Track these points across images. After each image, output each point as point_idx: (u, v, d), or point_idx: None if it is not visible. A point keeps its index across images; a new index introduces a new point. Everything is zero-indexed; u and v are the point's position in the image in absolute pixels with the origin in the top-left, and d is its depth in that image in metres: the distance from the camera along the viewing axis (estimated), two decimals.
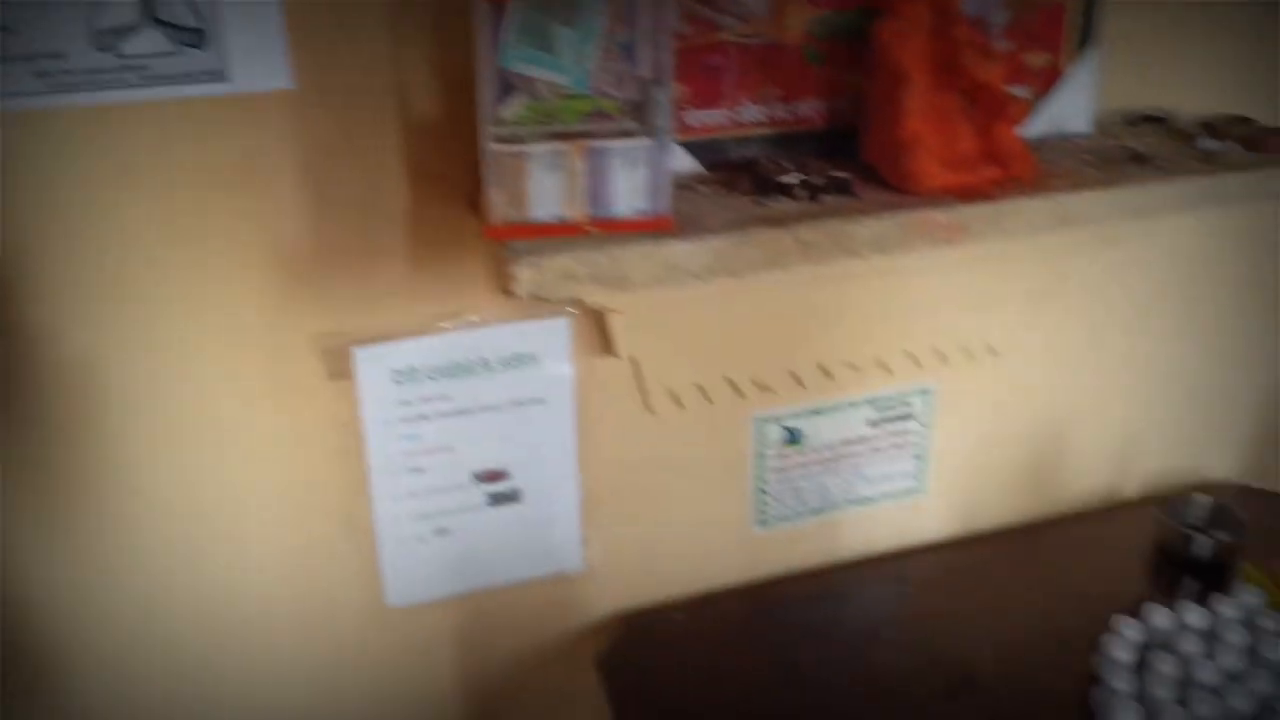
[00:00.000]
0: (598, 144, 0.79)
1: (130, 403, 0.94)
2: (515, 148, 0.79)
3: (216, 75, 0.86)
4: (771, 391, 1.16)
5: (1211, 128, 0.97)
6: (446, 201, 0.94)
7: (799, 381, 1.17)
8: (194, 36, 0.85)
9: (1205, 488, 1.36)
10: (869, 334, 1.16)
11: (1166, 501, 1.30)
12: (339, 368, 1.00)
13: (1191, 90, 1.14)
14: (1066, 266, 1.17)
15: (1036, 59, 1.02)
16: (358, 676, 1.14)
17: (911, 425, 1.26)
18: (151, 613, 1.03)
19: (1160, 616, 1.11)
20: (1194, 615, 1.11)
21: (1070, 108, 1.05)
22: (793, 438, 1.22)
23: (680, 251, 0.81)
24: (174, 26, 0.84)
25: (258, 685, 1.11)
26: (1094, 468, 1.38)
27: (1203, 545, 1.25)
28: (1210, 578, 1.22)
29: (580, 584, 1.19)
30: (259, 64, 0.86)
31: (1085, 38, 1.03)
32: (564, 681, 1.22)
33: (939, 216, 0.85)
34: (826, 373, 1.17)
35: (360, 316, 0.98)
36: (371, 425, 1.04)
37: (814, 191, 0.88)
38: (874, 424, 1.25)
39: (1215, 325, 1.34)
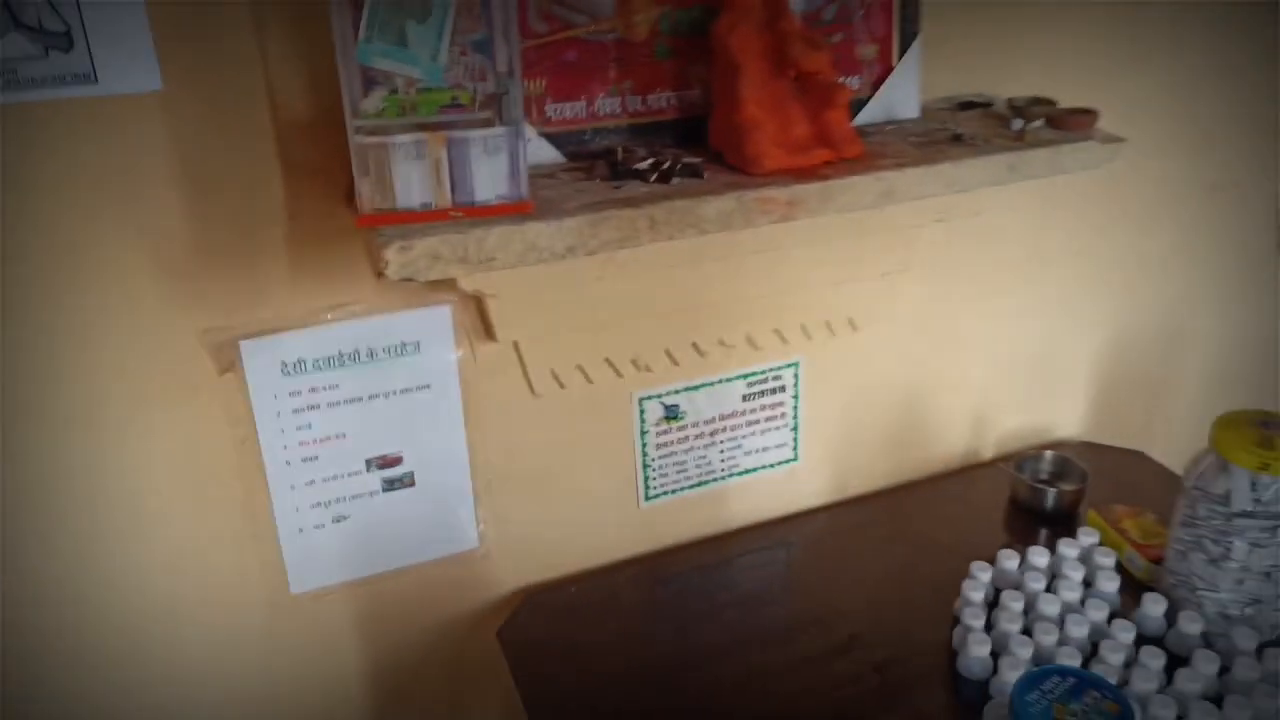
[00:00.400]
0: (457, 134, 0.84)
1: (25, 399, 0.95)
2: (378, 139, 0.83)
3: (85, 78, 0.88)
4: (649, 370, 1.22)
5: (1020, 110, 1.06)
6: (324, 196, 0.98)
7: (674, 360, 1.22)
8: (61, 40, 0.87)
9: (1053, 445, 1.45)
10: (737, 313, 1.22)
11: (1017, 458, 1.39)
12: (227, 361, 1.02)
13: (1011, 76, 1.23)
14: (914, 247, 1.25)
15: (866, 51, 1.09)
16: (266, 663, 1.16)
17: (783, 398, 1.33)
18: (62, 601, 1.03)
19: (1009, 560, 1.19)
20: (1038, 556, 1.20)
21: (899, 95, 1.13)
22: (672, 414, 1.27)
23: (541, 232, 0.86)
24: (39, 30, 0.86)
25: (169, 674, 1.12)
26: (953, 432, 1.46)
27: (1049, 496, 1.34)
28: (1058, 525, 1.31)
29: (478, 562, 1.23)
30: (127, 66, 0.89)
31: (909, 31, 1.11)
32: (468, 656, 1.25)
33: (775, 194, 0.92)
34: (700, 351, 1.23)
35: (245, 311, 1.00)
36: (263, 416, 1.06)
37: (664, 175, 0.94)
38: (748, 398, 1.31)
39: (1054, 295, 1.44)
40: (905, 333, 1.35)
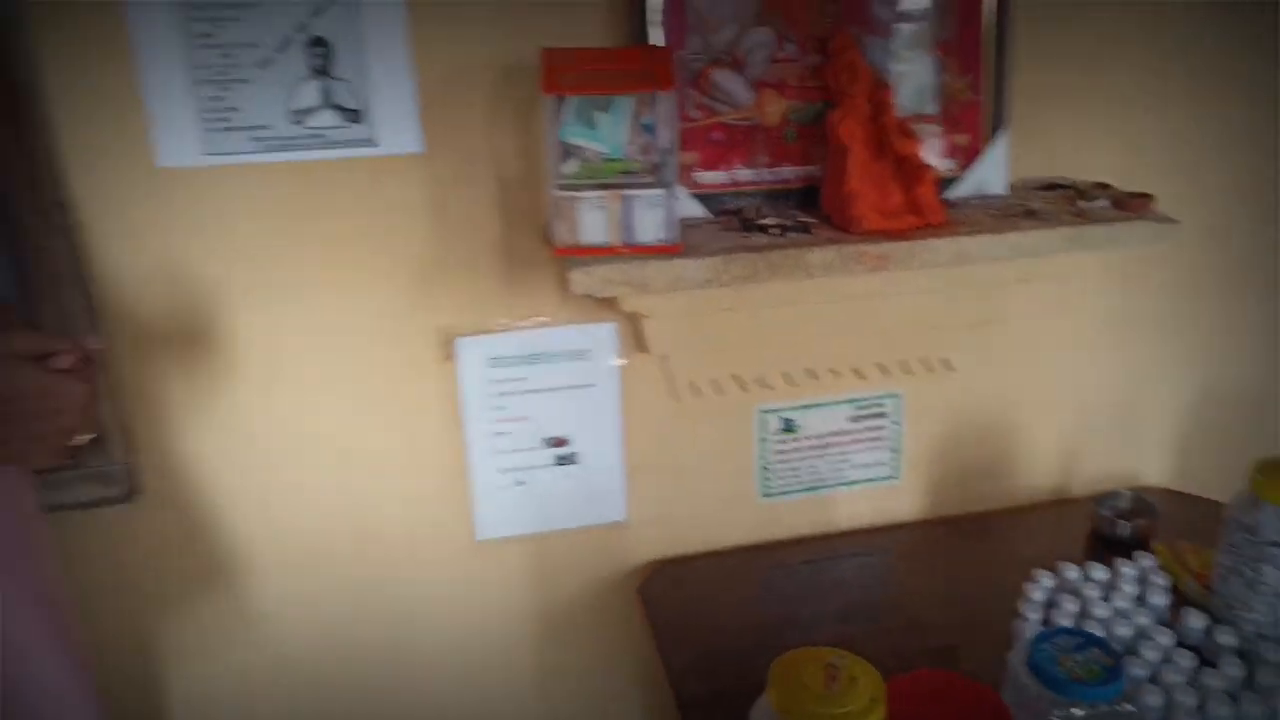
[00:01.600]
0: (628, 193, 1.10)
1: (299, 372, 1.26)
2: (571, 194, 1.10)
3: (370, 142, 1.19)
4: (770, 388, 1.43)
5: (1084, 192, 1.23)
6: (528, 233, 1.26)
7: (792, 382, 1.43)
8: (355, 115, 1.18)
9: (1136, 489, 1.56)
10: (846, 347, 1.42)
11: (1099, 495, 1.51)
12: (448, 353, 1.31)
13: (1097, 160, 1.39)
14: (1005, 303, 1.42)
15: (960, 139, 1.29)
16: (453, 592, 1.43)
17: (885, 423, 1.51)
18: (315, 529, 1.33)
19: (1069, 570, 1.33)
20: (1097, 570, 1.33)
21: (989, 175, 1.31)
22: (788, 427, 1.48)
23: (685, 266, 1.10)
24: (342, 109, 1.18)
25: (385, 593, 1.39)
26: (1041, 468, 1.60)
27: (1122, 527, 1.46)
28: (1128, 555, 1.42)
29: (624, 532, 1.46)
30: (400, 134, 1.19)
31: (998, 122, 1.30)
32: (612, 606, 1.48)
33: (868, 249, 1.13)
34: (814, 376, 1.44)
35: (465, 316, 1.29)
36: (469, 397, 1.34)
37: (783, 230, 1.16)
38: (854, 420, 1.50)
39: (1143, 351, 1.56)
40: (997, 376, 1.51)
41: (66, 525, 1.22)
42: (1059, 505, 1.60)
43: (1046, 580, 1.31)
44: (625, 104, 1.08)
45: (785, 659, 0.84)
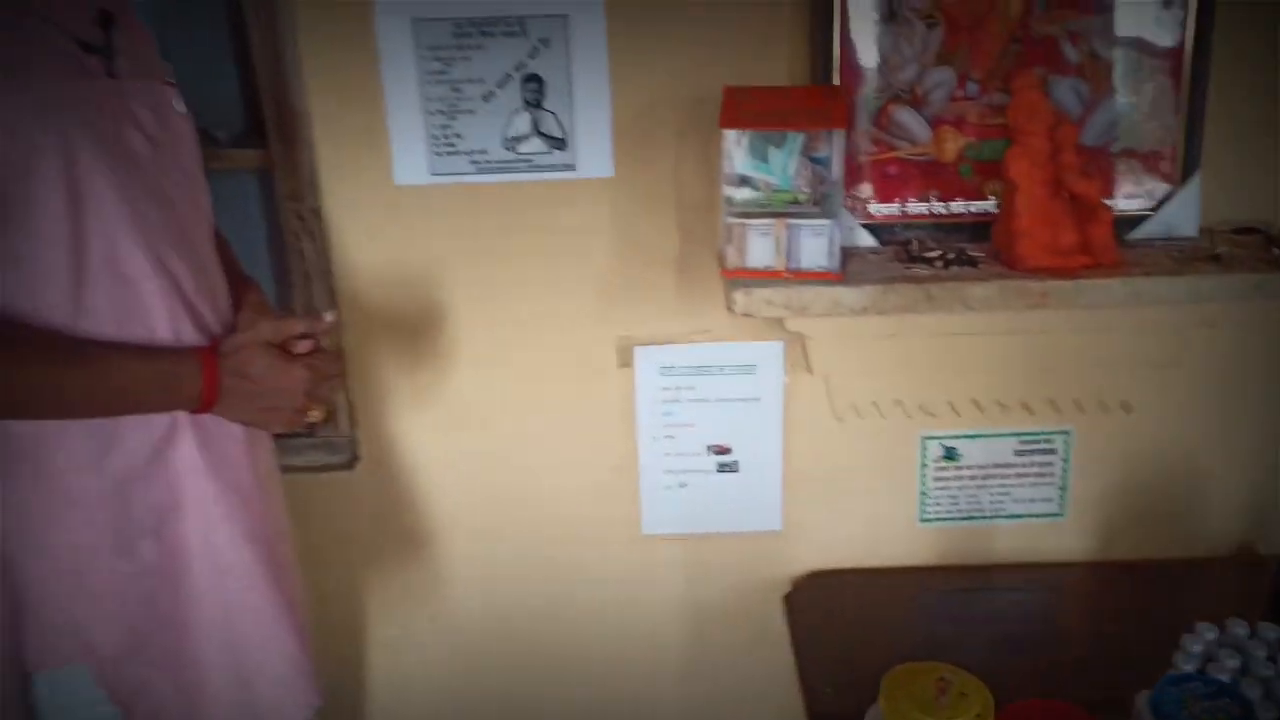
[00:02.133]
0: (794, 221, 1.17)
1: (498, 365, 1.41)
2: (742, 221, 1.18)
3: (570, 167, 1.33)
4: (933, 415, 1.45)
5: (1276, 238, 1.17)
6: (703, 253, 1.35)
7: (956, 411, 1.45)
8: (559, 143, 1.32)
9: None
10: (1015, 380, 1.42)
11: None
12: (625, 360, 1.42)
13: None
14: (1187, 346, 1.37)
15: (1150, 178, 1.27)
16: (616, 577, 1.54)
17: (1053, 459, 1.49)
18: (500, 505, 1.49)
19: (1238, 626, 1.27)
20: (1270, 631, 1.26)
21: (1179, 216, 1.28)
22: (950, 455, 1.49)
23: (843, 293, 1.16)
24: (550, 137, 1.32)
25: (558, 574, 1.53)
26: (1225, 522, 1.51)
27: None
28: None
29: (777, 541, 1.52)
30: (595, 160, 1.32)
31: (1192, 162, 1.27)
32: (757, 612, 1.54)
33: (1032, 285, 1.14)
34: (979, 407, 1.44)
35: (642, 327, 1.40)
36: (642, 402, 1.45)
37: (945, 262, 1.20)
38: (1019, 454, 1.49)
39: None
40: (1180, 421, 1.45)
41: (298, 486, 1.41)
42: (1240, 562, 1.52)
43: (1208, 633, 1.25)
44: (797, 140, 1.15)
45: (898, 670, 0.89)
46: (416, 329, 1.39)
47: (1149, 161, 1.27)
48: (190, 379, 0.92)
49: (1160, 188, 1.29)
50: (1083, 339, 1.37)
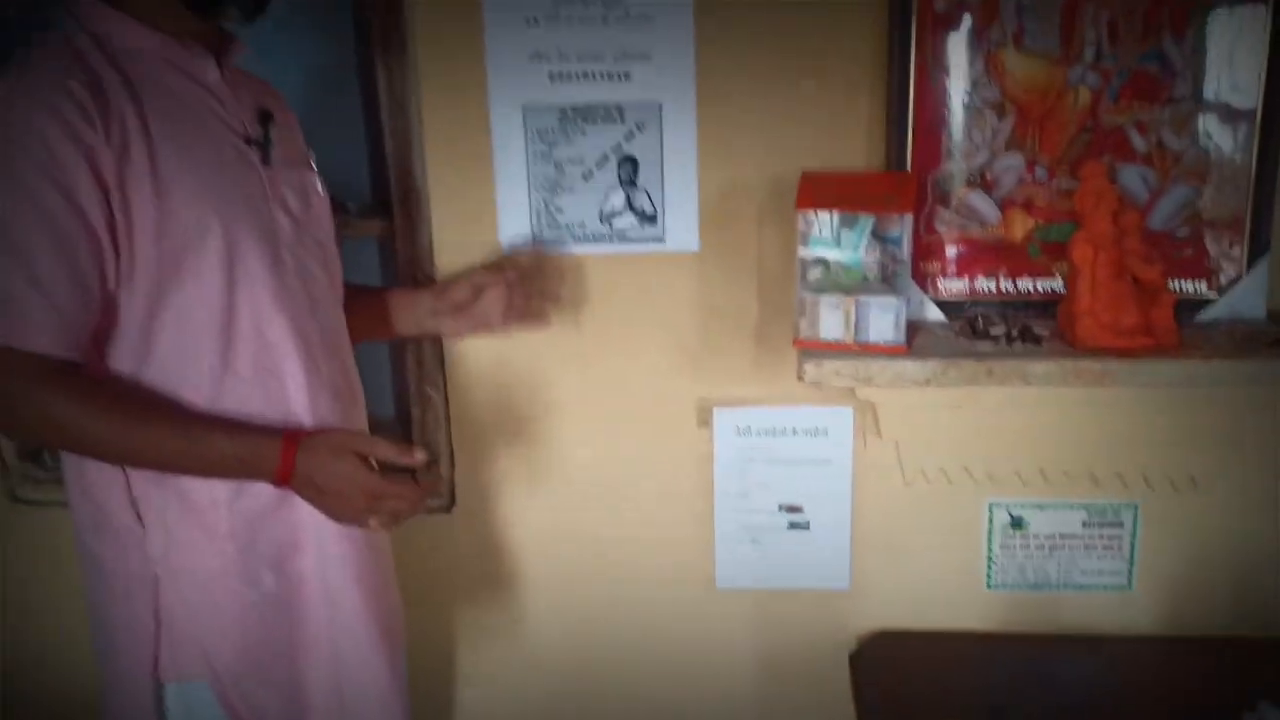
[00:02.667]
0: (863, 298, 1.25)
1: (588, 420, 1.52)
2: (815, 296, 1.27)
3: (659, 240, 1.43)
4: (1000, 483, 1.49)
5: None
6: (780, 323, 1.43)
7: (1023, 480, 1.49)
8: (651, 219, 1.43)
9: None
10: (1082, 451, 1.45)
11: None
12: (705, 420, 1.51)
13: None
14: (1259, 420, 1.39)
15: (1215, 262, 1.31)
16: (689, 628, 1.60)
17: (1120, 532, 1.51)
18: (583, 553, 1.58)
19: None
20: None
21: (1245, 300, 1.31)
22: (1017, 523, 1.53)
23: (907, 366, 1.23)
24: (642, 213, 1.43)
25: (628, 614, 1.61)
26: None
27: None
28: None
29: (845, 600, 1.57)
30: (683, 235, 1.42)
31: (1259, 246, 1.30)
32: (822, 670, 1.59)
33: (1091, 365, 1.19)
34: (1046, 477, 1.48)
35: (721, 389, 1.49)
36: (720, 461, 1.53)
37: (1010, 339, 1.26)
38: (1087, 525, 1.52)
39: None
40: (1246, 498, 1.46)
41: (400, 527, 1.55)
42: None
43: (1270, 713, 1.26)
44: (868, 221, 1.24)
45: None
46: (514, 385, 1.50)
47: (1215, 247, 1.31)
48: (270, 462, 1.02)
49: (1227, 273, 1.32)
50: (1151, 414, 1.40)
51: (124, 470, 1.03)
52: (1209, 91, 1.29)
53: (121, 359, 1.01)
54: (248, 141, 1.06)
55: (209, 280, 1.01)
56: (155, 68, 1.01)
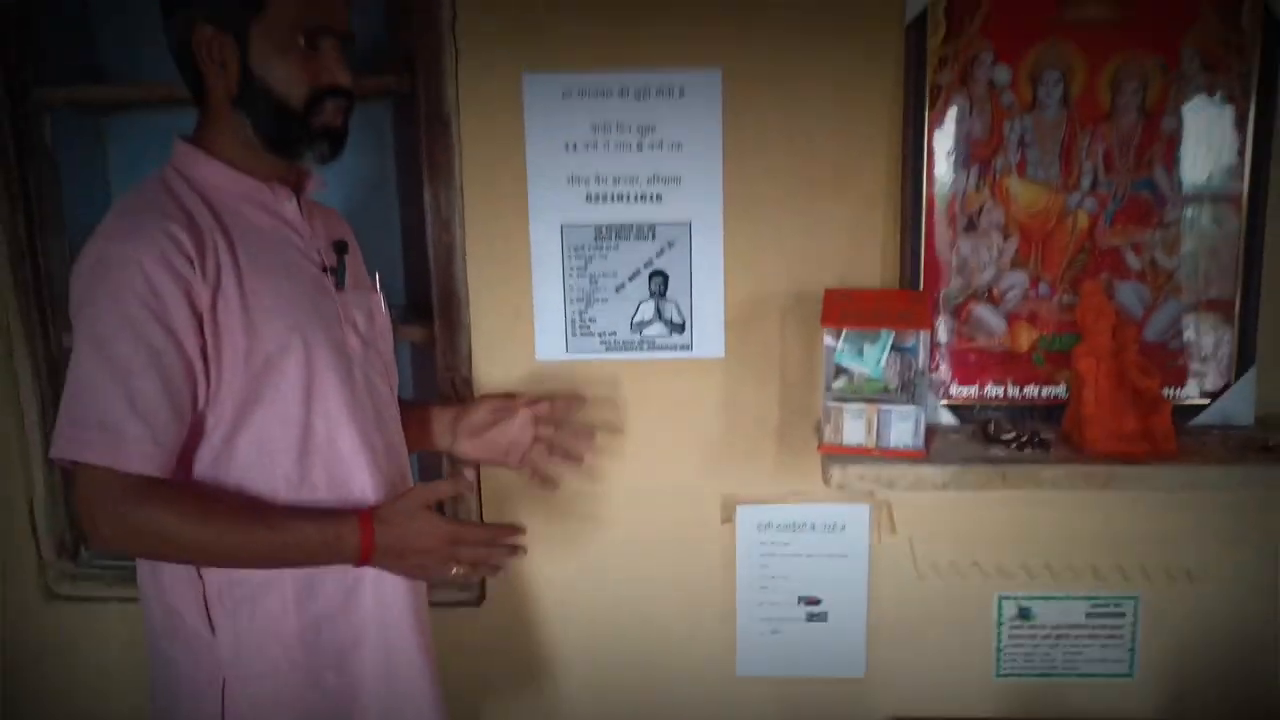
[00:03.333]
0: (884, 407, 1.33)
1: (616, 516, 1.58)
2: (839, 404, 1.35)
3: (687, 348, 1.52)
4: (1009, 576, 1.57)
5: None
6: (801, 425, 1.52)
7: (1030, 574, 1.57)
8: (679, 328, 1.51)
9: None
10: (1085, 546, 1.53)
11: None
12: (728, 516, 1.58)
13: None
14: (1251, 519, 1.48)
15: (1205, 368, 1.41)
16: (711, 714, 1.65)
17: (1122, 622, 1.59)
18: (609, 644, 1.63)
19: None
20: None
21: (1235, 406, 1.41)
22: (1024, 614, 1.60)
23: (927, 471, 1.31)
24: (671, 323, 1.51)
25: (654, 703, 1.65)
26: None
27: None
28: None
29: (861, 687, 1.63)
30: (709, 342, 1.51)
31: (1246, 357, 1.40)
32: None
33: (1097, 470, 1.28)
34: (1052, 571, 1.56)
35: (743, 487, 1.56)
36: (741, 554, 1.59)
37: (1020, 445, 1.34)
38: (1090, 615, 1.59)
39: None
40: (1241, 591, 1.54)
41: (431, 617, 1.59)
42: None
43: None
44: (888, 336, 1.33)
45: None
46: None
47: (1207, 356, 1.41)
48: (351, 539, 1.08)
49: (1217, 381, 1.42)
50: (1150, 511, 1.50)
51: (200, 576, 1.08)
52: (1197, 217, 1.40)
53: (203, 469, 1.07)
54: (324, 269, 1.13)
55: (289, 399, 1.07)
56: (242, 205, 1.09)
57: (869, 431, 1.34)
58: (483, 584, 1.61)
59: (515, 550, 1.17)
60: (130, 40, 1.64)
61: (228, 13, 1.03)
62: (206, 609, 1.09)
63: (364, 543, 1.07)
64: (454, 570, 1.14)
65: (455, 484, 1.20)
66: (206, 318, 1.02)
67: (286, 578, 1.10)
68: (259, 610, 1.10)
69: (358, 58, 1.15)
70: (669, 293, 1.50)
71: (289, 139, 1.07)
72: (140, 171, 1.65)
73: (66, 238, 1.61)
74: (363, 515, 1.08)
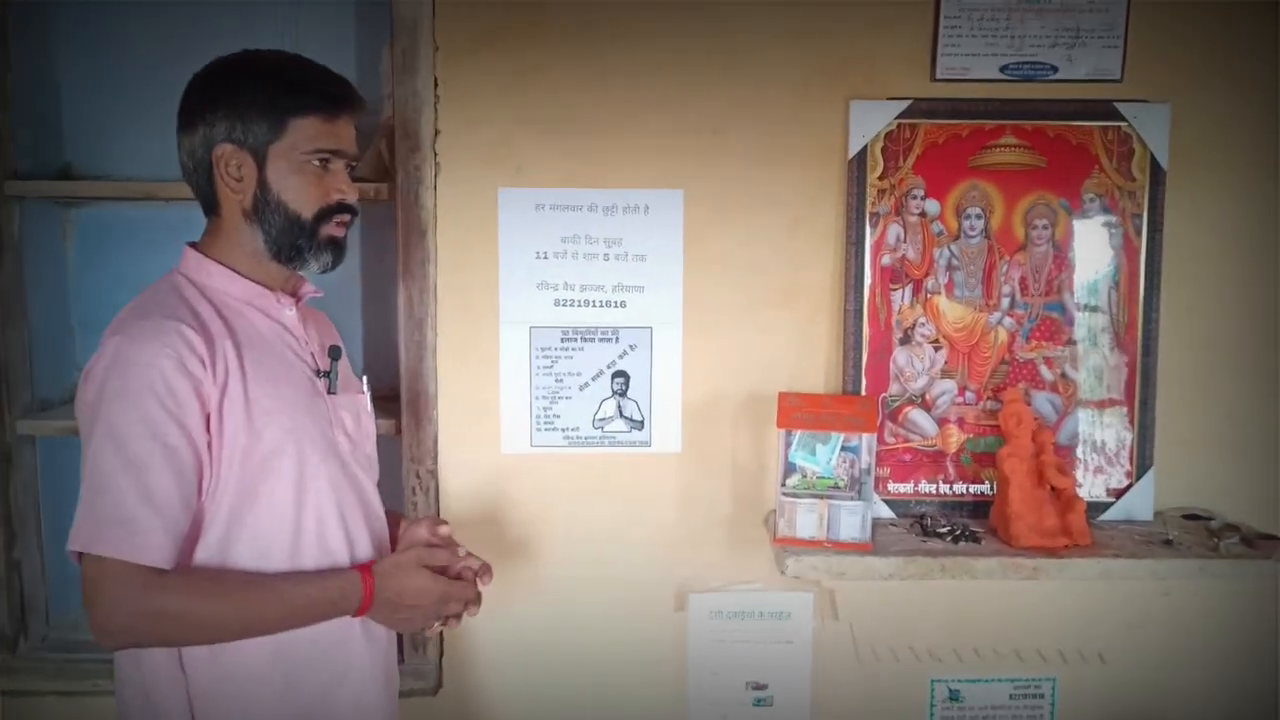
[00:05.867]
0: (834, 502, 1.45)
1: (572, 603, 1.64)
2: (792, 499, 1.46)
3: (646, 444, 1.61)
4: (940, 660, 1.69)
5: (1217, 531, 1.47)
6: (751, 516, 1.62)
7: (959, 656, 1.69)
8: (639, 424, 1.61)
9: None
10: (1009, 631, 1.67)
11: None
12: (681, 605, 1.66)
13: (1236, 496, 1.63)
14: (1154, 606, 1.64)
15: (1111, 472, 1.58)
16: None
17: (1041, 704, 1.72)
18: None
19: None
20: None
21: (1137, 504, 1.58)
22: (954, 696, 1.71)
23: (874, 563, 1.43)
24: (631, 419, 1.61)
25: None
26: None
27: None
28: None
29: None
30: (667, 438, 1.61)
31: (1145, 461, 1.58)
32: None
33: (1024, 562, 1.42)
34: (979, 654, 1.68)
35: (695, 576, 1.65)
36: (692, 643, 1.67)
37: (955, 538, 1.48)
38: (1013, 697, 1.72)
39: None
40: (1147, 672, 1.69)
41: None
42: None
43: None
44: (838, 438, 1.46)
45: None
46: (507, 574, 1.62)
47: (1110, 460, 1.59)
48: (354, 594, 1.13)
49: (1120, 481, 1.59)
50: (1066, 597, 1.65)
51: (184, 671, 1.10)
52: (1096, 337, 1.59)
53: (202, 563, 1.10)
54: (318, 373, 1.20)
55: (283, 498, 1.12)
56: (246, 310, 1.15)
57: (820, 525, 1.45)
58: (439, 673, 1.64)
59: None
60: (99, 134, 1.68)
61: (250, 135, 1.10)
62: (190, 705, 1.10)
63: (365, 596, 1.14)
64: (437, 626, 1.21)
65: (451, 555, 1.23)
66: (213, 416, 1.07)
67: (272, 673, 1.13)
68: (246, 704, 1.12)
69: None
70: (630, 391, 1.60)
71: (297, 248, 1.15)
72: (101, 263, 1.71)
73: (27, 328, 1.61)
74: (364, 570, 1.15)
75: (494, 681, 1.66)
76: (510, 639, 1.65)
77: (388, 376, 1.63)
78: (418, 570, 1.18)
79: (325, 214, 1.16)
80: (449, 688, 1.65)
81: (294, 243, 1.14)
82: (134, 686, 1.12)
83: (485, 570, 1.24)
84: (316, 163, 1.14)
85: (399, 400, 1.58)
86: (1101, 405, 1.59)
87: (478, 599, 1.23)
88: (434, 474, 1.60)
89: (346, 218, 1.18)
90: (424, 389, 1.57)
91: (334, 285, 1.73)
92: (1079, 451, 1.59)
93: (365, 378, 1.31)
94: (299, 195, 1.13)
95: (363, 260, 1.74)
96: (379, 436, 1.59)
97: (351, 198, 1.17)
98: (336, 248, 1.18)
